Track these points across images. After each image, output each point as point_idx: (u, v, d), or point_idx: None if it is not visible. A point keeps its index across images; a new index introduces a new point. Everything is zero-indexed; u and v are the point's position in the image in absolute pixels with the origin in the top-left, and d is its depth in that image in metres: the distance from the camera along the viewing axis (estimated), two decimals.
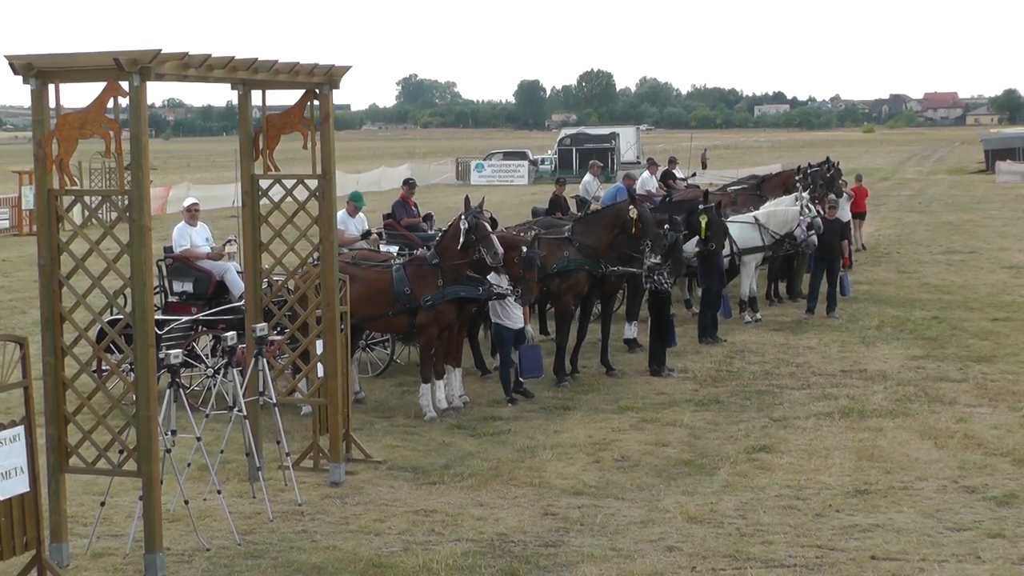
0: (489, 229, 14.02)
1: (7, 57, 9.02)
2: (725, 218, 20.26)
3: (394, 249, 17.52)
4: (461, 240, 13.97)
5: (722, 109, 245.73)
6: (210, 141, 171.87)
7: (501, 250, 13.93)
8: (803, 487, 11.32)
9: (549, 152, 70.04)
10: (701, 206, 18.77)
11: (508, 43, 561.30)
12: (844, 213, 27.57)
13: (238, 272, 15.09)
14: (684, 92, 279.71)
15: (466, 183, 65.39)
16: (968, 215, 41.30)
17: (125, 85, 8.77)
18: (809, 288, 21.58)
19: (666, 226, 16.34)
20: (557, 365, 15.99)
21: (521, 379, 15.21)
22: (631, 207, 15.93)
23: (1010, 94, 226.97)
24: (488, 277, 14.33)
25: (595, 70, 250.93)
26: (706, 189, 22.60)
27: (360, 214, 18.07)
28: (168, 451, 9.87)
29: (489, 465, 12.12)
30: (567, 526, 10.31)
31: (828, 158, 30.79)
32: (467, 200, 14.52)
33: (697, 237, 18.61)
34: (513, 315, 14.82)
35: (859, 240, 31.82)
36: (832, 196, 23.77)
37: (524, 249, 14.29)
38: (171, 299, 15.59)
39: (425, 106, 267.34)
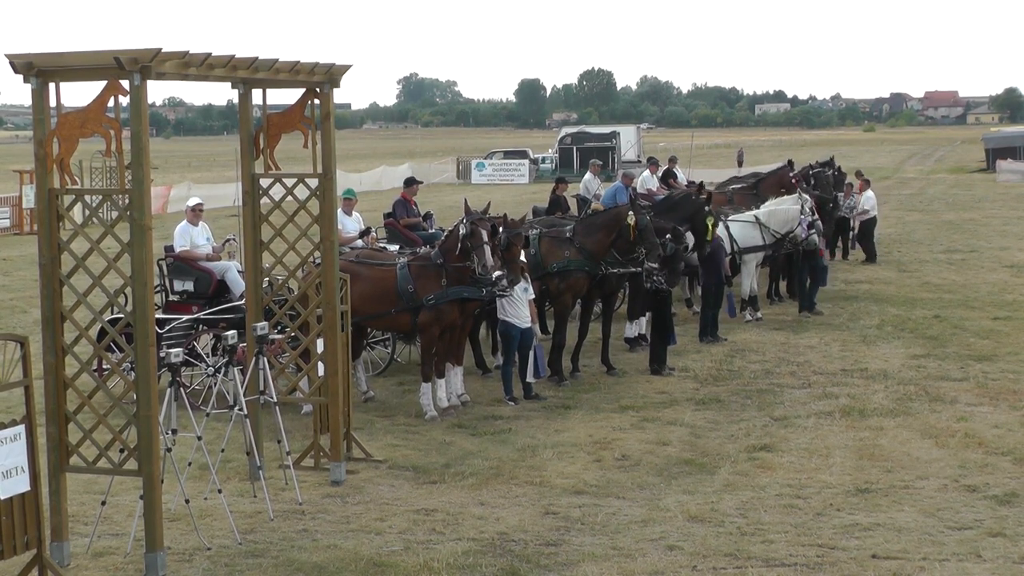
0: (484, 238, 13.83)
1: (8, 56, 9.02)
2: (724, 216, 20.40)
3: (394, 248, 17.50)
4: (459, 246, 13.95)
5: (723, 108, 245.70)
6: (211, 140, 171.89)
7: (491, 261, 13.79)
8: (804, 486, 11.32)
9: (550, 151, 69.98)
10: (707, 207, 18.58)
11: (509, 42, 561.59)
12: (871, 207, 27.77)
13: (238, 271, 15.09)
14: (685, 91, 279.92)
15: (467, 182, 65.41)
16: (969, 214, 41.28)
17: (126, 84, 8.77)
18: (799, 288, 21.67)
19: (667, 236, 16.32)
20: (556, 364, 16.00)
21: (533, 379, 15.14)
22: (630, 212, 15.89)
23: (1011, 93, 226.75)
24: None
25: (596, 69, 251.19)
26: (700, 182, 22.58)
27: (356, 212, 18.05)
28: (169, 450, 9.87)
29: (490, 464, 12.12)
30: (568, 525, 10.31)
31: (832, 158, 30.81)
32: (466, 203, 14.47)
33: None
34: (521, 313, 14.76)
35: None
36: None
37: (500, 230, 14.15)
38: (172, 298, 15.59)
39: (426, 105, 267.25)
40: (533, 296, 15.08)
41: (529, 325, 14.94)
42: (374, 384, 15.85)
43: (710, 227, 18.39)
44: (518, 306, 14.70)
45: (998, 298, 22.66)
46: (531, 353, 15.03)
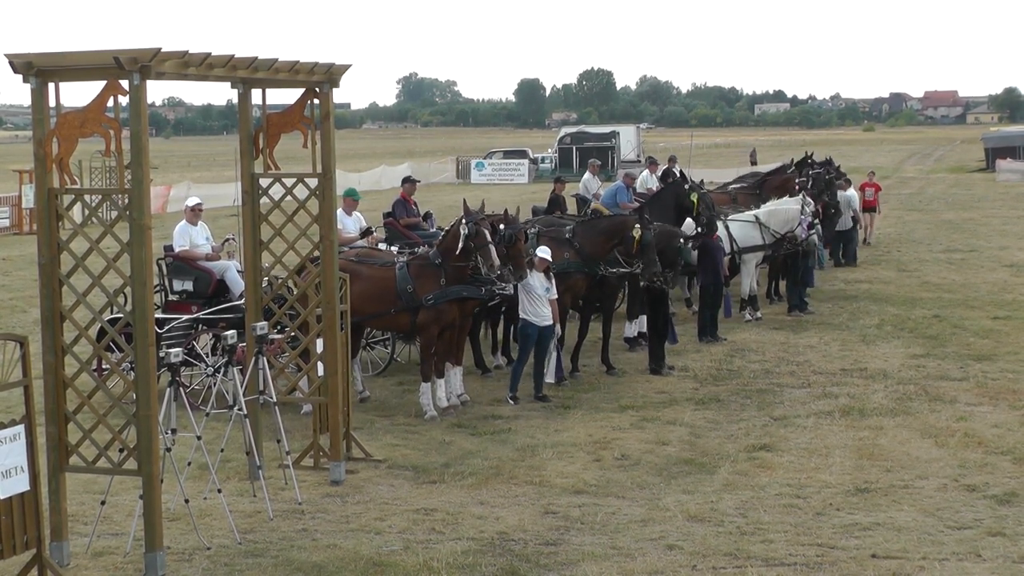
0: (488, 238, 13.86)
1: (7, 56, 9.02)
2: (725, 216, 20.52)
3: (394, 248, 17.49)
4: (460, 246, 13.94)
5: (722, 108, 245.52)
6: (210, 140, 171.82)
7: (498, 261, 13.84)
8: (803, 486, 11.32)
9: (549, 151, 70.00)
10: (687, 186, 19.50)
11: (508, 42, 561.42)
12: (848, 212, 27.75)
13: (238, 271, 15.09)
14: (684, 91, 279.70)
15: (466, 182, 65.41)
16: (968, 213, 41.31)
17: (125, 84, 8.77)
18: (788, 287, 21.76)
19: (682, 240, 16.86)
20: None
21: (554, 380, 15.10)
22: (636, 226, 15.87)
23: (1010, 92, 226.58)
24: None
25: (595, 68, 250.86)
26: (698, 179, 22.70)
27: (357, 212, 18.05)
28: (168, 450, 9.86)
29: (489, 464, 12.12)
30: (568, 525, 10.31)
31: (829, 158, 30.80)
32: (465, 204, 14.48)
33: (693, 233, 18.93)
34: (541, 311, 14.73)
35: (868, 235, 32.01)
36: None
37: (501, 227, 14.20)
38: (171, 298, 15.59)
39: (425, 105, 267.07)
40: (555, 296, 15.03)
41: (550, 323, 14.90)
42: (374, 384, 15.87)
43: (695, 201, 18.94)
44: (538, 304, 14.66)
45: (998, 298, 22.67)
46: (551, 353, 15.03)
